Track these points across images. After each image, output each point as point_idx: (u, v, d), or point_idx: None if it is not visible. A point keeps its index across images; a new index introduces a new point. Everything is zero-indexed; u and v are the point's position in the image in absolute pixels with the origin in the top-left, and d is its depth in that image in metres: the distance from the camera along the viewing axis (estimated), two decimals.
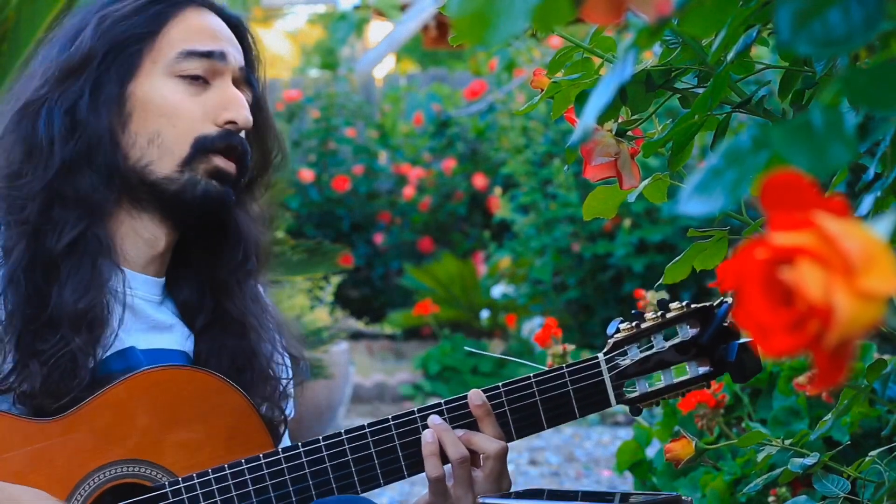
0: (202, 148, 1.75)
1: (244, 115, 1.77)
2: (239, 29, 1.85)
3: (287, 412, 1.89)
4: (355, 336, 8.12)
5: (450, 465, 1.71)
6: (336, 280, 6.16)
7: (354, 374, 6.83)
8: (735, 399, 2.60)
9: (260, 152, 1.86)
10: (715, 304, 1.71)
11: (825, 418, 1.68)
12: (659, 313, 1.73)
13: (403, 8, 11.29)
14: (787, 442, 1.74)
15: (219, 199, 1.76)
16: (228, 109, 1.77)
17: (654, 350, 1.73)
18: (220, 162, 1.76)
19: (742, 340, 1.69)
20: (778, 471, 1.74)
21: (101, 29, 1.75)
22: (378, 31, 12.19)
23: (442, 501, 1.72)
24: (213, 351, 1.80)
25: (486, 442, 1.71)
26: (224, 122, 1.76)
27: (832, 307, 0.66)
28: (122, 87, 1.75)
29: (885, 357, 1.66)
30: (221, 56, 1.78)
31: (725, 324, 1.70)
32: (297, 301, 5.15)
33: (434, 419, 1.71)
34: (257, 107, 1.84)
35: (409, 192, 9.12)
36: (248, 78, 1.82)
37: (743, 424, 2.53)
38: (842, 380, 0.68)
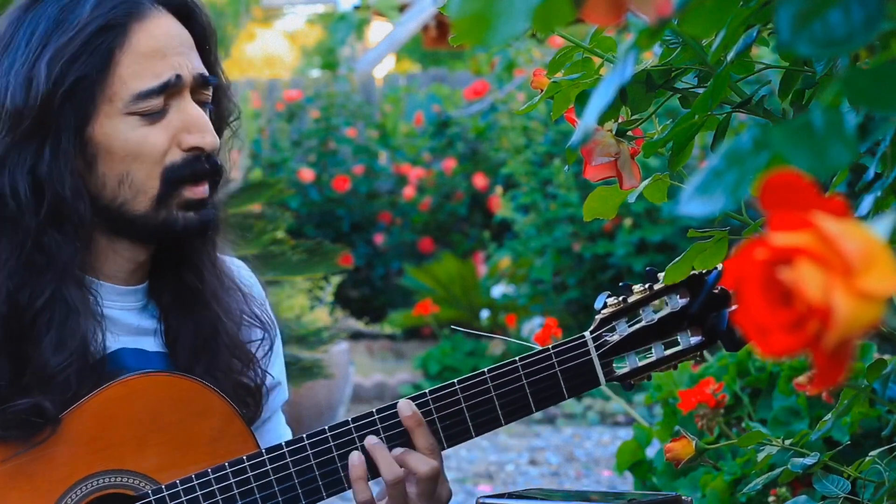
0: (172, 181, 1.70)
1: (209, 140, 1.72)
2: (185, 8, 1.76)
3: (275, 391, 1.88)
4: (355, 336, 8.13)
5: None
6: (336, 280, 6.16)
7: (354, 374, 6.83)
8: (735, 399, 2.60)
9: (219, 126, 1.81)
10: (704, 272, 1.66)
11: (825, 418, 1.68)
12: (647, 285, 1.69)
13: (403, 8, 11.30)
14: (787, 442, 1.74)
15: (200, 227, 1.74)
16: (192, 133, 1.71)
17: (642, 324, 1.69)
18: (190, 193, 1.72)
19: (734, 307, 1.65)
20: (778, 471, 1.73)
21: (53, 75, 1.66)
22: (378, 31, 12.19)
23: None
24: (180, 328, 1.79)
25: (419, 462, 1.69)
26: (188, 147, 1.71)
27: (831, 307, 0.66)
28: (81, 132, 1.68)
29: (885, 357, 1.66)
30: (177, 80, 1.71)
31: (715, 291, 1.66)
32: (297, 301, 5.16)
33: (370, 439, 1.69)
34: (219, 92, 1.79)
35: (409, 192, 9.12)
36: (203, 79, 1.74)
37: (743, 424, 2.53)
38: (841, 380, 0.68)
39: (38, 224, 1.67)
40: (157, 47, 1.70)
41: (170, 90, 1.70)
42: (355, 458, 1.69)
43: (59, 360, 1.65)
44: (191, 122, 1.71)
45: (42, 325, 1.67)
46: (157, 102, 1.70)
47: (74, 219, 1.69)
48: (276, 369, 1.89)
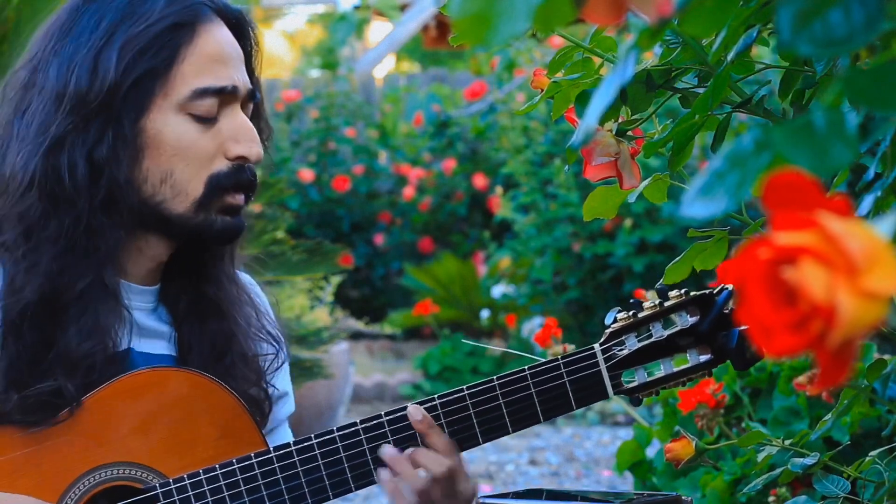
0: (216, 187, 1.73)
1: (256, 151, 1.75)
2: (240, 24, 1.81)
3: (281, 402, 1.89)
4: (355, 336, 8.13)
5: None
6: (336, 280, 6.16)
7: (354, 374, 6.83)
8: (735, 399, 2.60)
9: None
10: (715, 292, 1.68)
11: (825, 418, 1.68)
12: (657, 302, 1.71)
13: (403, 8, 11.30)
14: (787, 442, 1.74)
15: (235, 231, 1.77)
16: (240, 143, 1.74)
17: (652, 339, 1.70)
18: (230, 200, 1.74)
19: (743, 327, 1.66)
20: (778, 471, 1.74)
21: (124, 63, 1.69)
22: (378, 31, 12.19)
23: None
24: (194, 336, 1.80)
25: (433, 463, 1.70)
26: (235, 156, 1.74)
27: (835, 307, 0.66)
28: (135, 122, 1.71)
29: (886, 357, 1.66)
30: (233, 89, 1.74)
31: (726, 311, 1.67)
32: (297, 301, 5.16)
33: (385, 450, 1.70)
34: (258, 111, 1.82)
35: (409, 192, 9.12)
36: (251, 94, 1.78)
37: (743, 424, 2.53)
38: (844, 379, 0.68)
39: (91, 206, 1.69)
40: (221, 53, 1.74)
41: (225, 96, 1.73)
42: (383, 474, 1.70)
43: (88, 346, 1.67)
44: (240, 132, 1.74)
45: (76, 310, 1.68)
46: (211, 105, 1.72)
47: (124, 206, 1.71)
48: (284, 381, 1.90)
